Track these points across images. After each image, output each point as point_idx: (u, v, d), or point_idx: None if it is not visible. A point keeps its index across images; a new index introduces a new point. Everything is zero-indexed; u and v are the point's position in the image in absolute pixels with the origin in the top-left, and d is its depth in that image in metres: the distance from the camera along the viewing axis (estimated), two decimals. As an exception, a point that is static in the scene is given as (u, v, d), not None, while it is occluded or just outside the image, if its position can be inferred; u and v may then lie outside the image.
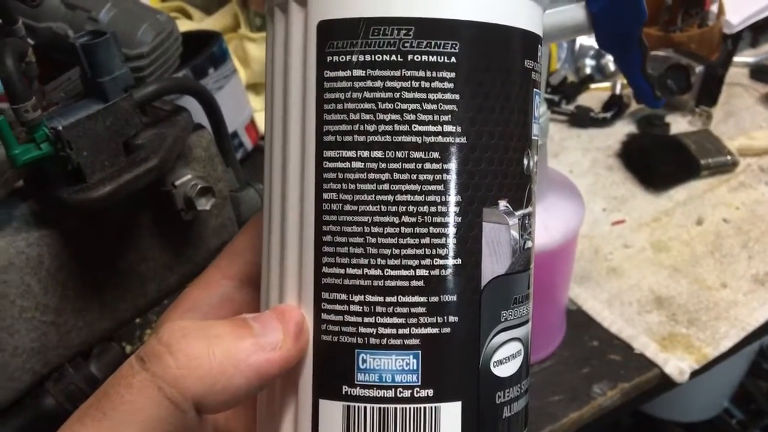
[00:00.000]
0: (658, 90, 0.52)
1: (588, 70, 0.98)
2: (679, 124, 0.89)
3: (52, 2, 0.54)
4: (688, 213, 0.77)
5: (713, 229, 0.75)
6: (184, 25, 0.89)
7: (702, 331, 0.64)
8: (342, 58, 0.24)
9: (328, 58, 0.24)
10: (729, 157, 0.82)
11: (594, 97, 0.95)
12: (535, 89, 0.27)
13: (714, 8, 0.95)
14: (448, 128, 0.24)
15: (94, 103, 0.39)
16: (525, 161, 0.26)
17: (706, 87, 0.88)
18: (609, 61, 0.97)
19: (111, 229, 0.43)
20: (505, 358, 0.26)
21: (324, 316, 0.25)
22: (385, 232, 0.24)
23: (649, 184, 0.81)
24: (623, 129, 0.90)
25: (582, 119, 0.90)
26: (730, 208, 0.77)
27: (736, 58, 0.98)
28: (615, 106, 0.90)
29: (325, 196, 0.24)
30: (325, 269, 0.25)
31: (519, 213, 0.26)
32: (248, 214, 0.48)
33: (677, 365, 0.61)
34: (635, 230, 0.75)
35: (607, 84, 0.96)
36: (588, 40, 0.97)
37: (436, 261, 0.24)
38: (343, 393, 0.24)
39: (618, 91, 0.92)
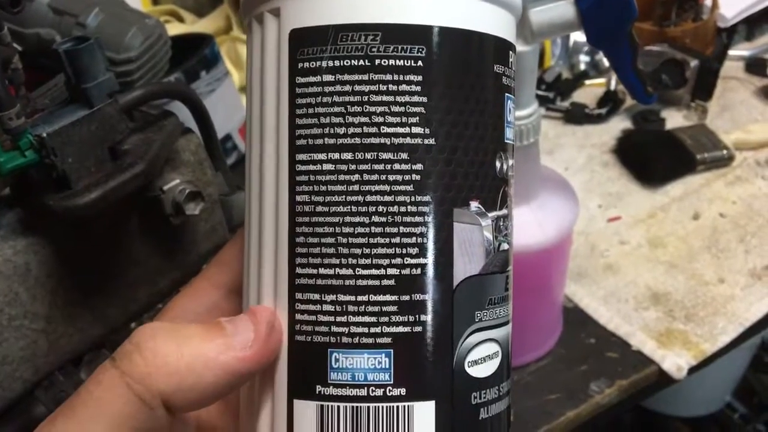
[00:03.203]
0: (651, 85, 0.51)
1: (582, 67, 0.98)
2: (674, 119, 0.89)
3: (40, 8, 0.54)
4: (684, 208, 0.77)
5: (710, 224, 0.75)
6: (175, 28, 0.89)
7: (699, 327, 0.64)
8: (312, 64, 0.25)
9: (300, 65, 0.25)
10: (725, 152, 0.81)
11: (589, 93, 0.95)
12: (507, 94, 0.27)
13: (708, 2, 0.95)
14: (416, 129, 0.24)
15: (78, 110, 0.39)
16: (498, 164, 0.26)
17: (701, 81, 0.88)
18: (603, 57, 0.97)
19: (99, 235, 0.43)
20: (480, 358, 0.26)
21: (298, 316, 0.25)
22: (356, 231, 0.24)
23: (645, 179, 0.81)
24: (618, 125, 0.90)
25: (577, 116, 0.90)
26: (727, 203, 0.77)
27: (731, 52, 0.97)
28: (610, 102, 0.90)
29: (298, 198, 0.25)
30: (298, 270, 0.25)
31: (492, 214, 0.26)
32: (239, 218, 0.48)
33: (675, 361, 0.61)
34: (631, 226, 0.75)
35: (601, 80, 0.96)
36: (582, 36, 0.97)
37: (406, 260, 0.24)
38: (317, 392, 0.25)
39: (613, 87, 0.92)
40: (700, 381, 0.64)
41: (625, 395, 0.61)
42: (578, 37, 0.97)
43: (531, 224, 0.55)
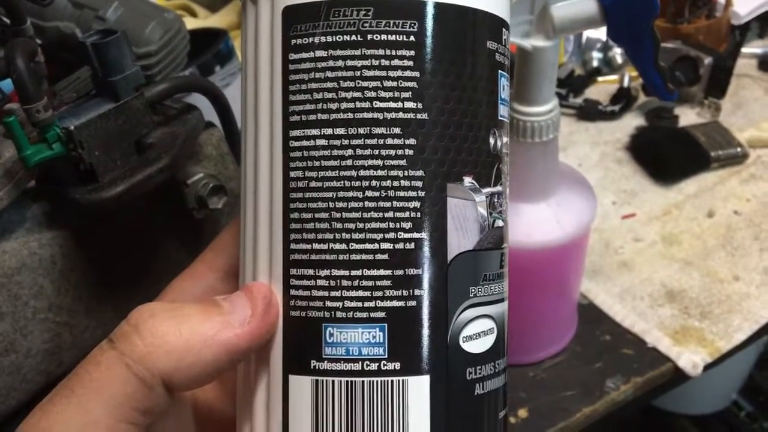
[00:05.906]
0: (669, 83, 0.51)
1: (595, 63, 0.97)
2: (687, 116, 0.89)
3: (60, 1, 0.53)
4: (698, 206, 0.77)
5: (724, 221, 0.74)
6: (189, 23, 0.89)
7: (715, 325, 0.64)
8: (305, 41, 0.25)
9: (293, 41, 0.25)
10: (739, 149, 0.81)
11: (602, 89, 0.94)
12: (500, 71, 0.27)
13: (721, -1, 0.94)
14: (408, 104, 0.25)
15: (105, 102, 0.39)
16: (491, 140, 0.26)
17: (714, 79, 0.88)
18: (616, 53, 0.97)
19: (123, 229, 0.43)
20: (475, 334, 0.26)
21: (292, 292, 0.25)
22: (349, 206, 0.24)
23: (659, 177, 0.80)
24: (632, 122, 0.89)
25: (590, 112, 0.90)
26: (741, 201, 0.77)
27: (745, 50, 0.97)
28: (623, 99, 0.90)
29: (292, 174, 0.25)
30: (292, 245, 0.25)
31: (486, 190, 0.26)
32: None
33: (690, 359, 0.61)
34: (646, 224, 0.75)
35: (614, 77, 0.95)
36: (595, 33, 0.96)
37: (399, 235, 0.25)
38: (312, 368, 0.25)
39: (626, 83, 0.91)
40: (707, 379, 0.63)
41: (641, 392, 0.61)
42: (591, 33, 0.96)
43: (549, 221, 0.55)
